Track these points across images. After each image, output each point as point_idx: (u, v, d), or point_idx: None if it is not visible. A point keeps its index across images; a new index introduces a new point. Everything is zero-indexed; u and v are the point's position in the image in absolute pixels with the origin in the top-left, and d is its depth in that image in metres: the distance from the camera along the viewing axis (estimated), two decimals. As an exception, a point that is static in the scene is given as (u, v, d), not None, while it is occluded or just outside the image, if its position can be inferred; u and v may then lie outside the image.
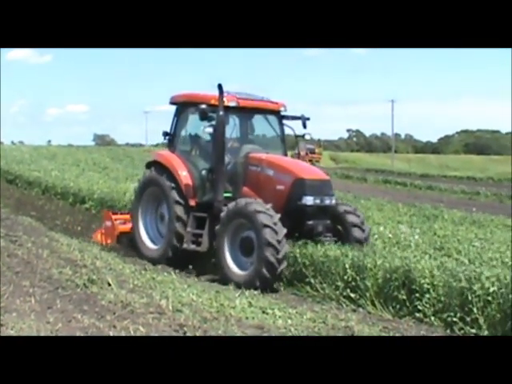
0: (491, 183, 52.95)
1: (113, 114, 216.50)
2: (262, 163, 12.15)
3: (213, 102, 12.05)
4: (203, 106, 12.12)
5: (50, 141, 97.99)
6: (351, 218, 11.78)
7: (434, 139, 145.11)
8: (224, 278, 11.16)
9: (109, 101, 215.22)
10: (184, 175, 12.64)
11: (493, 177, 60.38)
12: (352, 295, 9.85)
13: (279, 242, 10.65)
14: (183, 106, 13.30)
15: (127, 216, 14.36)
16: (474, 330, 8.18)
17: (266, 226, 10.68)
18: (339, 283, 10.09)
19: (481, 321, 8.17)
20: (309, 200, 11.42)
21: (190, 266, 12.22)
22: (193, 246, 12.36)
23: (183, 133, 13.46)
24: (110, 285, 9.10)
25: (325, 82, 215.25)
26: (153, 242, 13.24)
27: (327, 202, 11.67)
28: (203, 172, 12.58)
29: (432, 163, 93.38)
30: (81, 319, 7.32)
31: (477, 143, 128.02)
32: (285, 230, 10.79)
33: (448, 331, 8.38)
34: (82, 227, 16.66)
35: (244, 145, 12.97)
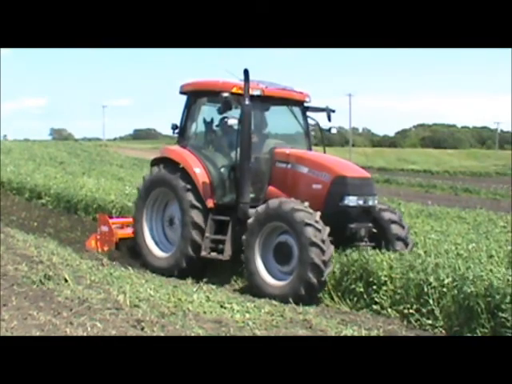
0: (447, 176, 54.04)
1: (70, 108, 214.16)
2: (291, 159, 10.82)
3: (235, 90, 10.70)
4: (226, 95, 10.48)
5: (5, 135, 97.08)
6: (388, 215, 10.70)
7: (391, 133, 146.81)
8: (256, 291, 9.88)
9: (66, 95, 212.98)
10: (200, 173, 11.09)
11: (448, 170, 61.55)
12: (310, 288, 9.89)
13: (323, 241, 9.43)
14: (196, 96, 11.72)
15: (125, 220, 13.26)
16: (430, 321, 8.30)
17: (308, 224, 9.44)
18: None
19: (436, 312, 8.29)
20: (352, 201, 10.17)
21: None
22: (213, 254, 10.91)
23: (195, 126, 11.90)
24: (66, 281, 9.00)
25: (282, 76, 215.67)
26: (161, 249, 11.75)
27: (371, 202, 10.47)
28: (222, 169, 11.19)
29: (389, 157, 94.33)
30: (37, 316, 7.22)
31: (433, 137, 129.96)
32: (328, 229, 9.56)
33: (405, 323, 8.51)
34: (38, 223, 16.47)
35: (267, 139, 11.63)
